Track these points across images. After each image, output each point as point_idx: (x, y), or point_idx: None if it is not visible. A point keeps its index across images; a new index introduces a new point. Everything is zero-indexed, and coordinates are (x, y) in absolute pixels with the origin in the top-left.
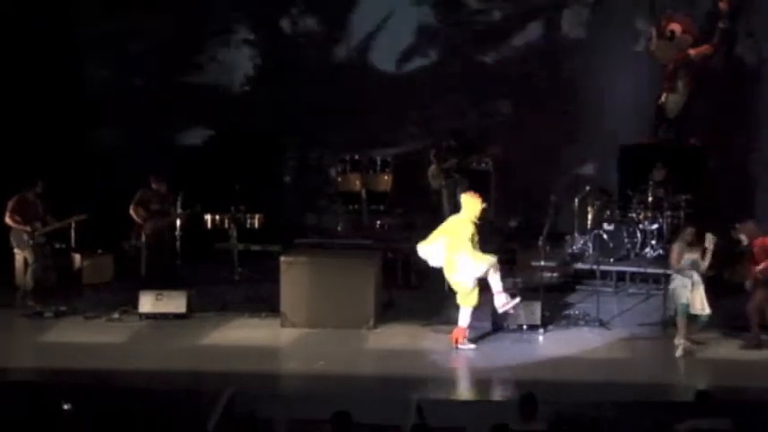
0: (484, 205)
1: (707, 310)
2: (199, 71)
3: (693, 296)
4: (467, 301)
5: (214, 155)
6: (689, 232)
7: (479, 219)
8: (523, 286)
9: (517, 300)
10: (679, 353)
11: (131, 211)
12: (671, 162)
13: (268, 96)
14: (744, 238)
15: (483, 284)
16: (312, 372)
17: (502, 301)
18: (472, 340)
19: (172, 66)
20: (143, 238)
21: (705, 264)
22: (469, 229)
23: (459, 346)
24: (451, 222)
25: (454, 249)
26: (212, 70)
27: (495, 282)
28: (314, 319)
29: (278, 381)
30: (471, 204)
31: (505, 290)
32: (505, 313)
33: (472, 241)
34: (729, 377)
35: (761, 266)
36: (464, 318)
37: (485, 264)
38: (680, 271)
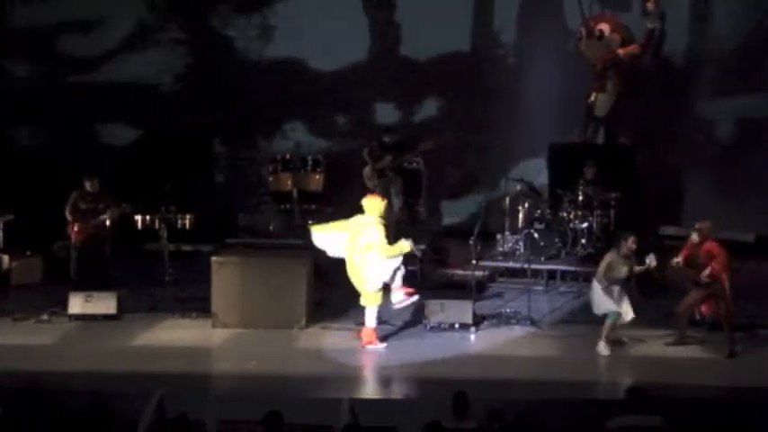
0: (384, 202)
1: (631, 315)
2: (128, 69)
3: (619, 303)
4: (372, 301)
5: (144, 154)
6: (628, 246)
7: (384, 218)
8: (455, 285)
9: (415, 298)
10: (607, 351)
11: (66, 213)
12: (601, 161)
13: (199, 95)
14: (695, 237)
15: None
16: (244, 372)
17: (399, 298)
18: (402, 339)
19: (98, 63)
20: (74, 239)
21: (631, 272)
22: (382, 232)
23: (369, 346)
24: (358, 223)
25: (361, 251)
26: (142, 68)
27: (398, 277)
28: (245, 319)
29: (209, 381)
30: (375, 205)
31: (408, 287)
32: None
33: (385, 241)
34: (658, 374)
35: (706, 272)
36: (371, 318)
37: (398, 255)
38: (600, 282)
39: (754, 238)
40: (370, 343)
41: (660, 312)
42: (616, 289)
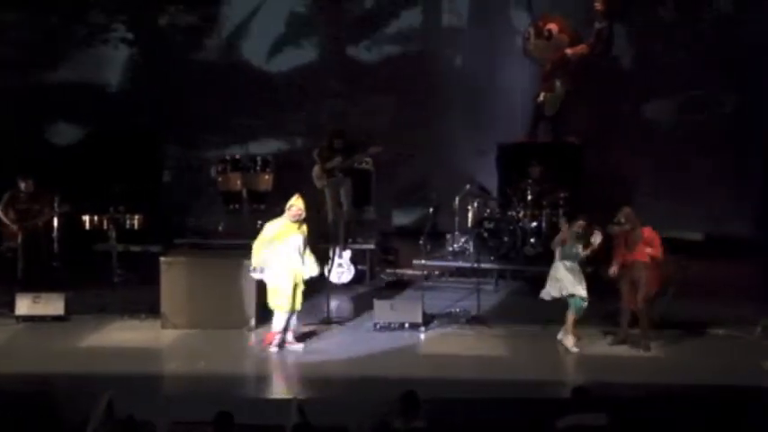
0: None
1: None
2: (75, 68)
3: (575, 285)
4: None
5: (92, 154)
6: (579, 224)
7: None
8: (405, 284)
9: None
10: (576, 347)
11: (0, 214)
12: (549, 160)
13: (147, 94)
14: (626, 226)
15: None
16: (193, 373)
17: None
18: (351, 339)
19: (45, 63)
20: (18, 240)
21: (583, 254)
22: (305, 230)
23: (271, 348)
24: (283, 227)
25: (299, 250)
26: (89, 68)
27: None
28: (195, 320)
29: (159, 382)
30: (296, 204)
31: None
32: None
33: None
34: (604, 373)
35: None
36: (275, 322)
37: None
38: (561, 255)
39: (702, 237)
40: (269, 344)
41: (606, 310)
42: (576, 269)
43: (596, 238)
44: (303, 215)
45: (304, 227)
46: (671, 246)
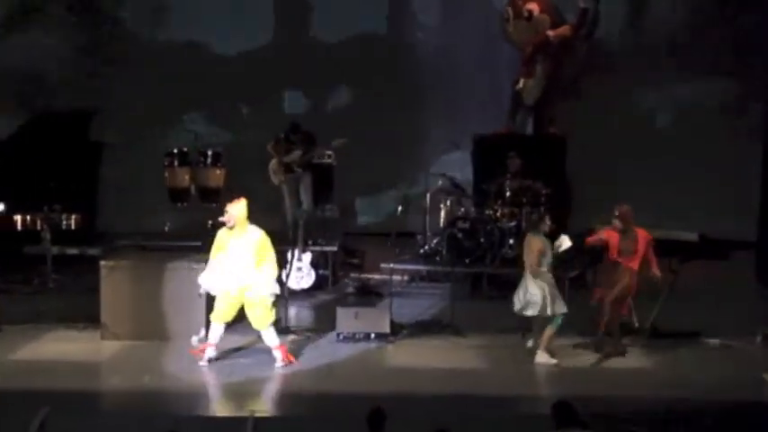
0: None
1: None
2: (7, 52)
3: (555, 302)
4: (266, 321)
5: (25, 147)
6: (546, 224)
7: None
8: (372, 290)
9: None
10: (552, 361)
11: None
12: (529, 153)
13: (87, 81)
14: (618, 224)
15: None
16: (137, 388)
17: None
18: (312, 351)
19: None
20: None
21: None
22: (257, 240)
23: (201, 362)
24: (223, 235)
25: (255, 263)
26: (23, 51)
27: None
28: (139, 330)
29: (99, 399)
30: (241, 209)
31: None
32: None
33: None
34: (588, 387)
35: (655, 271)
36: (211, 332)
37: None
38: (539, 275)
39: (697, 237)
40: (199, 354)
41: (588, 319)
42: (552, 281)
43: (562, 243)
44: (232, 222)
45: (255, 235)
46: (663, 247)
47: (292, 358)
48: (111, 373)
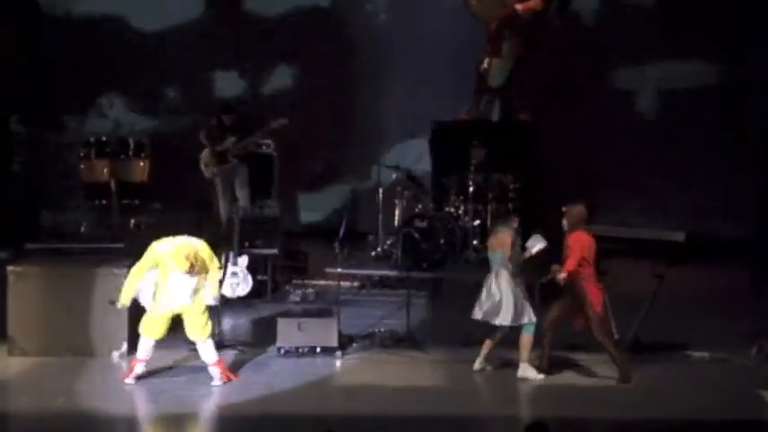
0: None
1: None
2: None
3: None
4: (206, 331)
5: None
6: (516, 220)
7: None
8: (316, 298)
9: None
10: (537, 375)
11: None
12: (495, 142)
13: None
14: (564, 224)
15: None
16: (49, 410)
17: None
18: (250, 367)
19: None
20: None
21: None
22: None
23: (128, 379)
24: (172, 257)
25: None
26: None
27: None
28: (51, 344)
29: (5, 422)
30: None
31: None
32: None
33: None
34: (565, 406)
35: (555, 268)
36: (142, 348)
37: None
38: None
39: (684, 237)
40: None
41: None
42: (522, 285)
43: (535, 244)
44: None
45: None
46: (646, 249)
47: (232, 375)
48: (19, 395)
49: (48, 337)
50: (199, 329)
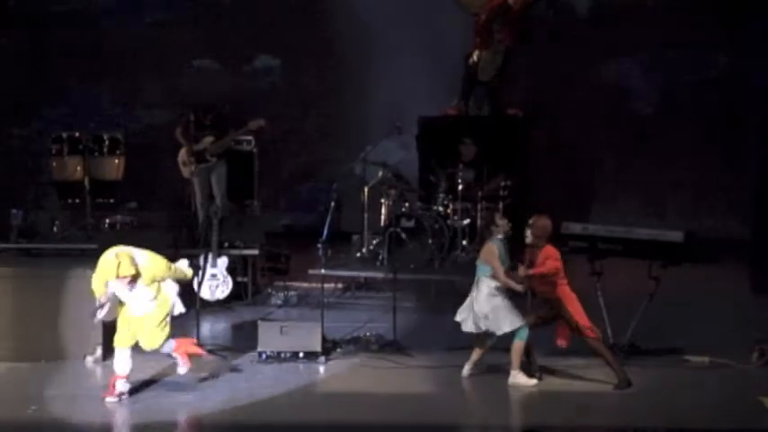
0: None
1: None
2: None
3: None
4: (159, 339)
5: None
6: (505, 224)
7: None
8: (298, 301)
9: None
10: (530, 381)
11: None
12: (485, 138)
13: None
14: (528, 236)
15: None
16: (21, 419)
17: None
18: (229, 374)
19: None
20: None
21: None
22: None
23: (110, 398)
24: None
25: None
26: None
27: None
28: (22, 349)
29: None
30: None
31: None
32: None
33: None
34: (560, 413)
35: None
36: (119, 362)
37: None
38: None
39: (682, 237)
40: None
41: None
42: (507, 294)
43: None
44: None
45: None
46: (642, 250)
47: (196, 350)
48: None
49: (18, 342)
50: (155, 339)
